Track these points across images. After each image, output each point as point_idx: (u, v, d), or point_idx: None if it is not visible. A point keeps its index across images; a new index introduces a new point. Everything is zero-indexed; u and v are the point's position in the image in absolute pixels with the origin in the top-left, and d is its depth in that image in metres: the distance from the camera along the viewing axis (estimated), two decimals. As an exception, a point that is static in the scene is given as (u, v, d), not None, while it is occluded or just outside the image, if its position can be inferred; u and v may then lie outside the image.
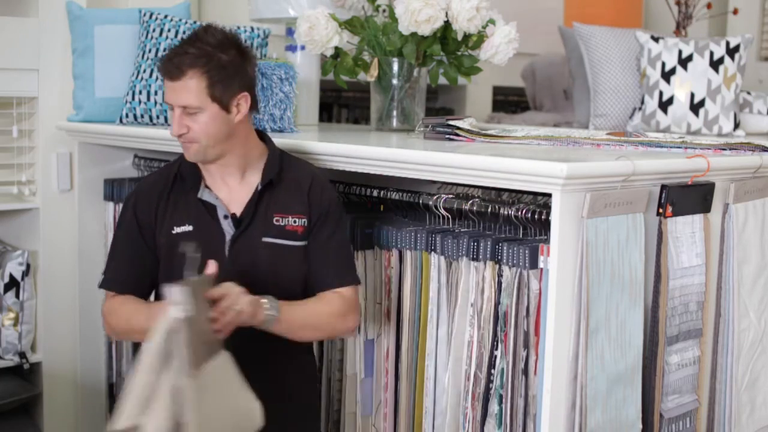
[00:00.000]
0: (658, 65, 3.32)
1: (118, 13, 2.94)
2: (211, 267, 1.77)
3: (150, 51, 2.74)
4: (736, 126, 3.28)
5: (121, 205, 2.77)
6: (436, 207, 2.15)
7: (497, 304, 1.97)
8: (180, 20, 2.79)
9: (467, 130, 2.32)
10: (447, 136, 2.33)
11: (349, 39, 2.75)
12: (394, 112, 2.75)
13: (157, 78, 2.71)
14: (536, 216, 1.95)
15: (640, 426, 1.94)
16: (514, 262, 1.93)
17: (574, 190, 1.75)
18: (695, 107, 3.26)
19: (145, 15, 2.80)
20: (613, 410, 1.87)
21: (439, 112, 4.62)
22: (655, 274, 1.96)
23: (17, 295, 2.93)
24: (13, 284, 2.91)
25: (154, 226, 2.01)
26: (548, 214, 1.83)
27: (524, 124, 3.90)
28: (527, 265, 1.91)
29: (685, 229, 2.00)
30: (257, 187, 1.98)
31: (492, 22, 2.67)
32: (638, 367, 1.92)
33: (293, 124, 2.61)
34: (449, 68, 2.74)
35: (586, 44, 3.54)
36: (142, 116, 2.75)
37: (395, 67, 2.71)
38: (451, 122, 2.34)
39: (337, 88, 3.82)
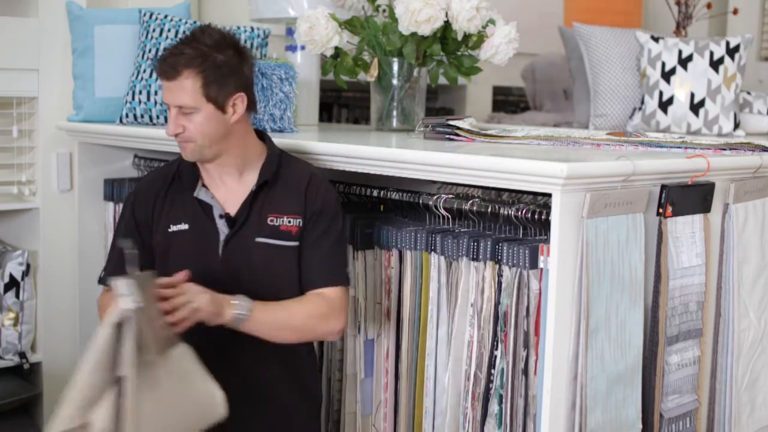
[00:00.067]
0: (658, 65, 3.32)
1: (118, 13, 2.94)
2: (181, 275, 1.81)
3: (150, 51, 2.74)
4: (736, 126, 3.28)
5: (121, 205, 2.78)
6: (436, 207, 2.15)
7: (497, 304, 1.97)
8: (180, 20, 2.79)
9: (467, 130, 2.32)
10: (447, 136, 2.33)
11: (349, 39, 2.75)
12: (394, 112, 2.75)
13: (157, 78, 2.70)
14: (536, 216, 1.95)
15: (640, 426, 1.94)
16: (514, 262, 1.93)
17: (574, 190, 1.75)
18: (695, 107, 3.26)
19: (145, 15, 2.80)
20: (613, 410, 1.87)
21: (439, 112, 4.62)
22: (655, 274, 1.96)
23: (17, 295, 2.93)
24: (13, 284, 2.91)
25: (151, 224, 2.03)
26: (548, 214, 1.83)
27: (524, 124, 3.90)
28: (527, 265, 1.91)
29: (685, 229, 2.00)
30: (253, 187, 1.98)
31: (492, 22, 2.67)
32: (638, 367, 1.92)
33: (293, 124, 2.61)
34: (449, 68, 2.74)
35: (586, 44, 3.54)
36: (142, 116, 2.75)
37: (395, 67, 2.71)
38: (451, 122, 2.34)
39: (337, 88, 3.82)
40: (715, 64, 3.26)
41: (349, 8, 2.81)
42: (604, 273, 1.82)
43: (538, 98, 4.42)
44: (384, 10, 2.78)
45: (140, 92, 2.73)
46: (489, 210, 2.04)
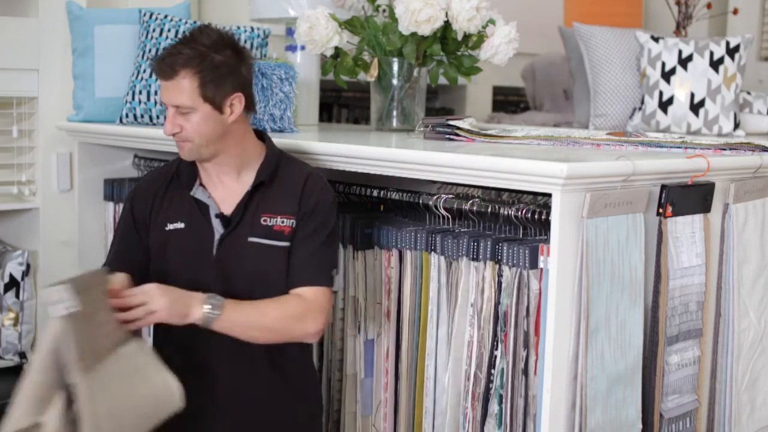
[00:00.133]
0: (658, 65, 3.32)
1: (118, 13, 2.94)
2: (119, 281, 1.83)
3: (150, 51, 2.74)
4: (736, 126, 3.28)
5: (121, 205, 2.79)
6: (436, 207, 2.15)
7: (497, 304, 1.97)
8: (180, 20, 2.79)
9: (467, 130, 2.32)
10: (447, 136, 2.33)
11: (349, 39, 2.75)
12: (394, 112, 2.75)
13: (157, 78, 2.71)
14: (536, 216, 1.95)
15: (640, 426, 1.94)
16: (514, 262, 1.93)
17: (574, 190, 1.75)
18: (695, 107, 3.26)
19: (145, 15, 2.80)
20: (613, 410, 1.87)
21: (439, 112, 4.62)
22: (655, 274, 1.96)
23: (17, 295, 2.93)
24: (13, 284, 2.91)
25: (149, 222, 2.04)
26: (548, 214, 1.83)
27: (524, 124, 3.90)
28: (527, 265, 1.91)
29: (685, 229, 2.00)
30: (249, 187, 1.99)
31: (492, 22, 2.67)
32: (638, 367, 1.92)
33: (293, 124, 2.61)
34: (449, 68, 2.74)
35: (586, 44, 3.54)
36: (142, 116, 2.75)
37: (395, 67, 2.71)
38: (451, 122, 2.34)
39: (337, 88, 3.82)
40: (715, 64, 3.26)
41: (349, 8, 2.81)
42: (604, 273, 1.82)
43: (538, 98, 4.42)
44: (384, 10, 2.78)
45: (140, 92, 2.73)
46: (489, 210, 2.04)
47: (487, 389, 1.99)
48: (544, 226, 1.94)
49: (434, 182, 2.24)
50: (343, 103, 4.63)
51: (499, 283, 1.96)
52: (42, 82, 2.98)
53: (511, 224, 2.04)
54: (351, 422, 2.29)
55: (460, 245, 2.04)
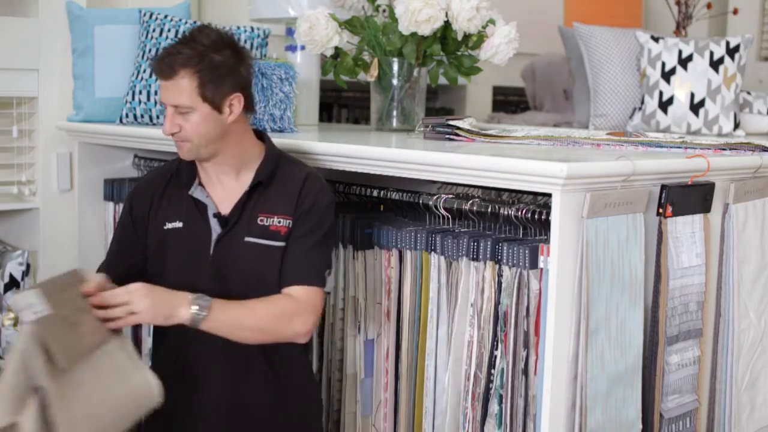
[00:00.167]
0: (658, 65, 3.32)
1: (118, 13, 2.94)
2: (95, 281, 1.82)
3: (150, 51, 2.74)
4: (736, 126, 3.28)
5: (121, 205, 2.79)
6: (436, 207, 2.15)
7: (497, 304, 1.97)
8: (180, 20, 2.79)
9: (467, 130, 2.32)
10: (447, 136, 2.33)
11: (349, 39, 2.75)
12: (394, 112, 2.75)
13: (157, 78, 2.71)
14: (536, 216, 1.95)
15: (640, 426, 1.94)
16: (514, 262, 1.93)
17: (574, 190, 1.75)
18: (695, 107, 3.26)
19: (145, 15, 2.80)
20: (613, 410, 1.87)
21: (439, 112, 4.62)
22: (655, 274, 1.96)
23: (17, 295, 2.93)
24: (13, 284, 2.91)
25: (147, 221, 2.04)
26: (548, 214, 1.83)
27: (524, 124, 3.90)
28: (527, 265, 1.91)
29: (685, 229, 2.00)
30: (247, 188, 1.98)
31: (492, 22, 2.67)
32: (638, 367, 1.92)
33: (293, 124, 2.61)
34: (449, 68, 2.74)
35: (586, 44, 3.54)
36: (142, 116, 2.75)
37: (395, 67, 2.71)
38: (451, 122, 2.34)
39: (337, 88, 3.82)
40: (715, 64, 3.26)
41: (349, 8, 2.81)
42: (604, 273, 1.82)
43: (538, 98, 4.42)
44: (384, 10, 2.78)
45: (140, 92, 2.73)
46: (489, 210, 2.04)
47: (487, 389, 1.99)
48: (544, 226, 1.94)
49: (434, 182, 2.24)
50: (343, 103, 4.62)
51: (499, 283, 1.96)
52: (42, 82, 2.98)
53: (511, 224, 2.04)
54: (351, 422, 2.29)
55: (460, 245, 2.04)
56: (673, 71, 3.29)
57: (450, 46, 2.67)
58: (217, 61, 1.90)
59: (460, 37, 2.63)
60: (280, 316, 1.89)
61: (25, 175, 3.03)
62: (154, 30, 2.77)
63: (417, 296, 2.16)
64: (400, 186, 2.24)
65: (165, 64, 1.90)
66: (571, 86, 3.90)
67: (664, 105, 3.29)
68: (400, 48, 2.65)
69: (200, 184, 2.02)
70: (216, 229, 1.98)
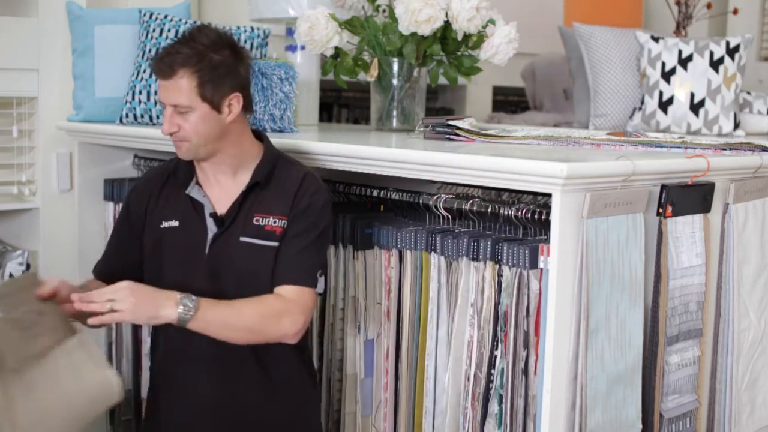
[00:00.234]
0: (658, 65, 3.32)
1: (118, 13, 2.94)
2: (50, 283, 1.83)
3: (150, 51, 2.74)
4: (736, 126, 3.28)
5: (121, 205, 2.78)
6: (436, 207, 2.15)
7: (497, 304, 1.97)
8: (180, 20, 2.79)
9: (467, 130, 2.32)
10: (447, 136, 2.33)
11: (349, 39, 2.75)
12: (394, 112, 2.75)
13: (156, 78, 2.71)
14: (536, 216, 1.95)
15: (640, 426, 1.94)
16: (514, 262, 1.93)
17: (574, 190, 1.75)
18: (695, 107, 3.26)
19: (145, 15, 2.80)
20: (613, 410, 1.87)
21: (439, 112, 4.62)
22: (655, 274, 1.96)
23: (17, 295, 2.93)
24: (13, 284, 2.92)
25: (144, 220, 2.05)
26: (548, 214, 1.83)
27: (524, 124, 3.90)
28: (527, 265, 1.91)
29: (685, 229, 2.00)
30: (244, 188, 1.98)
31: (492, 22, 2.67)
32: (638, 367, 1.92)
33: (293, 124, 2.61)
34: (449, 68, 2.74)
35: (586, 44, 3.54)
36: (142, 116, 2.75)
37: (395, 67, 2.71)
38: (451, 122, 2.34)
39: (337, 88, 3.82)
40: (715, 64, 3.26)
41: (349, 8, 2.81)
42: (604, 273, 1.82)
43: (538, 98, 4.42)
44: (384, 10, 2.78)
45: (140, 92, 2.73)
46: (489, 210, 2.04)
47: (487, 389, 1.99)
48: (544, 226, 1.94)
49: (434, 182, 2.25)
50: (343, 103, 4.63)
51: (499, 283, 1.96)
52: (42, 82, 2.98)
53: (511, 224, 2.04)
54: (351, 422, 2.29)
55: (460, 245, 2.04)
56: (673, 71, 3.29)
57: (450, 46, 2.67)
58: (216, 60, 1.90)
59: (460, 37, 2.63)
60: (268, 316, 1.89)
61: (25, 175, 3.03)
62: (154, 30, 2.77)
63: (417, 296, 2.16)
64: (400, 186, 2.24)
65: (164, 64, 1.90)
66: (571, 86, 3.90)
67: (664, 105, 3.29)
68: (400, 48, 2.65)
69: (197, 183, 2.02)
70: (212, 228, 1.98)
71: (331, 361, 2.33)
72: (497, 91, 4.90)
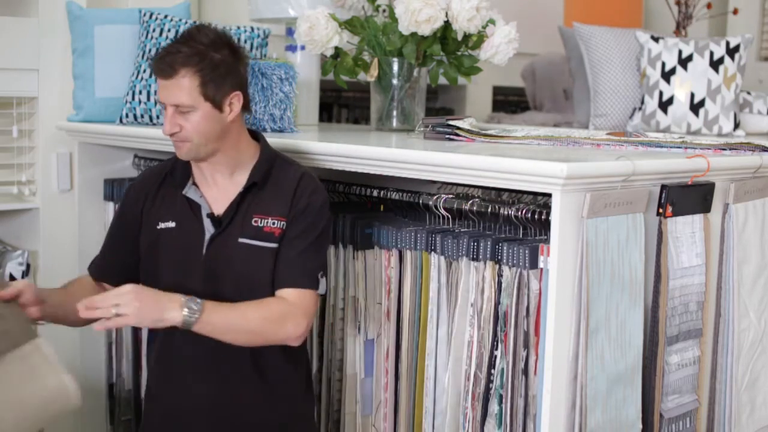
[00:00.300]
0: (658, 65, 3.32)
1: (118, 13, 2.94)
2: (14, 287, 1.84)
3: (150, 51, 2.74)
4: (736, 126, 3.28)
5: (121, 205, 2.79)
6: (436, 207, 2.15)
7: (497, 304, 1.97)
8: (180, 20, 2.79)
9: (467, 130, 2.32)
10: (447, 136, 2.33)
11: (349, 39, 2.75)
12: (394, 112, 2.75)
13: (156, 78, 2.71)
14: (536, 216, 1.95)
15: (640, 426, 1.94)
16: (514, 262, 1.93)
17: (574, 190, 1.75)
18: (695, 107, 3.26)
19: (145, 15, 2.80)
20: (613, 410, 1.87)
21: (439, 112, 4.62)
22: (655, 274, 1.96)
23: (17, 295, 2.93)
24: (13, 284, 2.91)
25: (139, 221, 2.04)
26: (548, 214, 1.83)
27: (524, 124, 3.90)
28: (527, 265, 1.91)
29: (685, 229, 2.00)
30: (241, 188, 1.98)
31: (492, 22, 2.67)
32: (638, 367, 1.92)
33: (293, 124, 2.61)
34: (449, 68, 2.74)
35: (586, 44, 3.54)
36: (142, 116, 2.75)
37: (395, 67, 2.71)
38: (451, 122, 2.34)
39: (337, 88, 3.82)
40: (715, 64, 3.26)
41: (349, 8, 2.81)
42: (604, 273, 1.82)
43: (538, 98, 4.42)
44: (384, 10, 2.78)
45: (140, 92, 2.73)
46: (489, 210, 2.04)
47: (487, 389, 1.99)
48: (544, 226, 1.94)
49: (434, 182, 2.24)
50: (343, 103, 4.62)
51: (499, 283, 1.96)
52: (42, 82, 2.98)
53: (511, 224, 2.04)
54: (351, 422, 2.29)
55: (460, 245, 2.04)
56: (673, 71, 3.29)
57: (450, 46, 2.67)
58: (217, 59, 1.90)
59: (460, 37, 2.63)
60: (272, 319, 1.88)
61: (25, 175, 3.03)
62: (154, 30, 2.77)
63: (417, 296, 2.16)
64: (400, 186, 2.24)
65: (165, 64, 1.89)
66: (571, 86, 3.90)
67: (664, 105, 3.29)
68: (400, 48, 2.65)
69: (194, 183, 2.02)
70: (209, 229, 1.98)
71: (331, 361, 2.33)
72: (497, 91, 4.89)
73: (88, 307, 1.77)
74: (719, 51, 3.27)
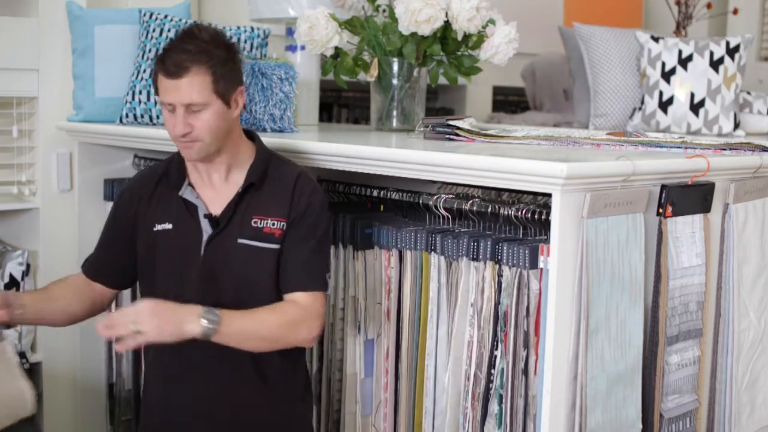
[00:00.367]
0: (658, 65, 3.32)
1: (118, 13, 2.94)
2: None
3: (150, 51, 2.74)
4: (736, 126, 3.28)
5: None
6: (436, 207, 2.15)
7: (497, 304, 1.97)
8: (180, 20, 2.79)
9: (467, 130, 2.32)
10: (447, 136, 2.33)
11: (349, 39, 2.75)
12: (394, 112, 2.75)
13: (159, 80, 2.70)
14: (536, 216, 1.95)
15: (640, 426, 1.94)
16: (514, 262, 1.93)
17: (574, 190, 1.75)
18: (695, 107, 3.26)
19: (145, 15, 2.80)
20: (613, 410, 1.87)
21: (439, 112, 4.62)
22: (655, 274, 1.96)
23: (17, 295, 2.93)
24: (13, 284, 2.91)
25: (133, 223, 2.04)
26: (548, 214, 1.83)
27: (524, 124, 3.90)
28: (527, 265, 1.91)
29: (685, 229, 2.00)
30: (239, 189, 1.97)
31: (492, 22, 2.67)
32: (638, 367, 1.92)
33: (293, 124, 2.61)
34: (449, 68, 2.74)
35: (586, 44, 3.54)
36: (142, 116, 2.75)
37: (395, 67, 2.71)
38: (451, 122, 2.34)
39: (337, 88, 3.82)
40: (715, 64, 3.26)
41: (349, 8, 2.81)
42: (604, 273, 1.82)
43: (538, 98, 4.42)
44: (384, 10, 2.78)
45: (140, 92, 2.73)
46: (489, 210, 2.04)
47: (487, 389, 1.99)
48: (544, 226, 1.94)
49: (434, 182, 2.24)
50: (343, 103, 4.62)
51: (499, 283, 1.96)
52: (42, 82, 2.98)
53: (511, 224, 2.04)
54: (351, 422, 2.29)
55: (460, 245, 2.04)
56: (673, 71, 3.29)
57: (450, 46, 2.67)
58: (222, 56, 1.90)
59: (460, 37, 2.63)
60: (287, 324, 1.89)
61: (25, 175, 3.03)
62: (154, 30, 2.77)
63: (417, 296, 2.16)
64: (400, 186, 2.24)
65: (174, 63, 1.86)
66: (571, 86, 3.90)
67: (664, 105, 3.29)
68: (400, 48, 2.65)
69: (190, 184, 2.00)
70: (207, 230, 1.97)
71: (331, 361, 2.33)
72: (497, 91, 4.89)
73: (107, 326, 1.76)
74: (719, 51, 3.27)
